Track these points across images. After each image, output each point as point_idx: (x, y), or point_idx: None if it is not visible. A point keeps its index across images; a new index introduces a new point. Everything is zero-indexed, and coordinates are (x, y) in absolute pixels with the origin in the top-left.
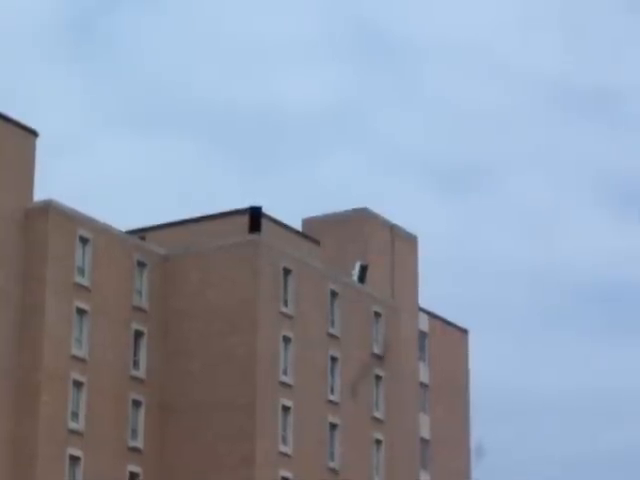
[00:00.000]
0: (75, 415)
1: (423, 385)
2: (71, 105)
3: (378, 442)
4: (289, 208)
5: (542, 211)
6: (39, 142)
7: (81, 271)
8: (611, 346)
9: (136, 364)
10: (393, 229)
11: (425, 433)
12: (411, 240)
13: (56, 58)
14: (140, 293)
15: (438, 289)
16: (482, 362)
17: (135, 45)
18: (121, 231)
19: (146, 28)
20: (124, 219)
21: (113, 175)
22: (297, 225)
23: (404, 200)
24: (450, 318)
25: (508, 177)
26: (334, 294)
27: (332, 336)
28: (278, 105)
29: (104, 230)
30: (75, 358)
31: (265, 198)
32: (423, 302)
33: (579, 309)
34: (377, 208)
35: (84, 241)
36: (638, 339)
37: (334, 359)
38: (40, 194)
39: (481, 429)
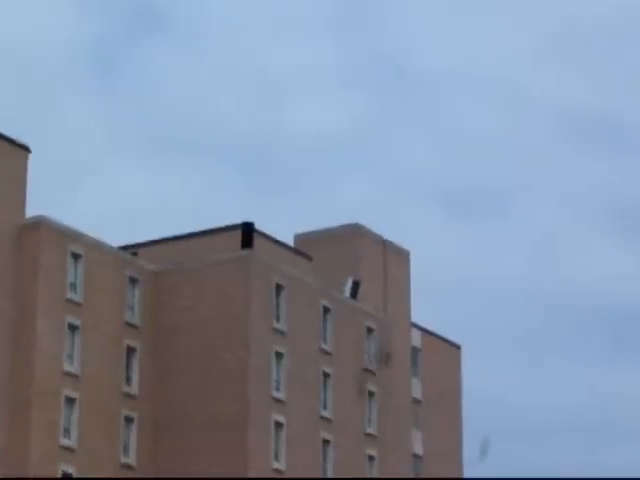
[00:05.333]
0: (67, 431)
1: (416, 401)
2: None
3: (371, 458)
4: (281, 224)
5: (546, 234)
6: (51, 166)
7: (73, 287)
8: (608, 365)
9: (128, 380)
10: (385, 244)
11: (418, 449)
12: (403, 255)
13: (74, 86)
14: (132, 309)
15: (431, 305)
16: (475, 378)
17: (143, 74)
18: (113, 247)
19: (160, 58)
20: (116, 236)
21: (110, 195)
22: (289, 241)
23: (400, 217)
24: (443, 334)
25: (513, 201)
26: (326, 310)
27: (324, 352)
28: (277, 127)
29: (96, 246)
30: (67, 374)
31: (257, 214)
32: (416, 318)
33: (573, 328)
34: (371, 225)
35: (76, 257)
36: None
37: (326, 375)
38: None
39: (473, 445)
